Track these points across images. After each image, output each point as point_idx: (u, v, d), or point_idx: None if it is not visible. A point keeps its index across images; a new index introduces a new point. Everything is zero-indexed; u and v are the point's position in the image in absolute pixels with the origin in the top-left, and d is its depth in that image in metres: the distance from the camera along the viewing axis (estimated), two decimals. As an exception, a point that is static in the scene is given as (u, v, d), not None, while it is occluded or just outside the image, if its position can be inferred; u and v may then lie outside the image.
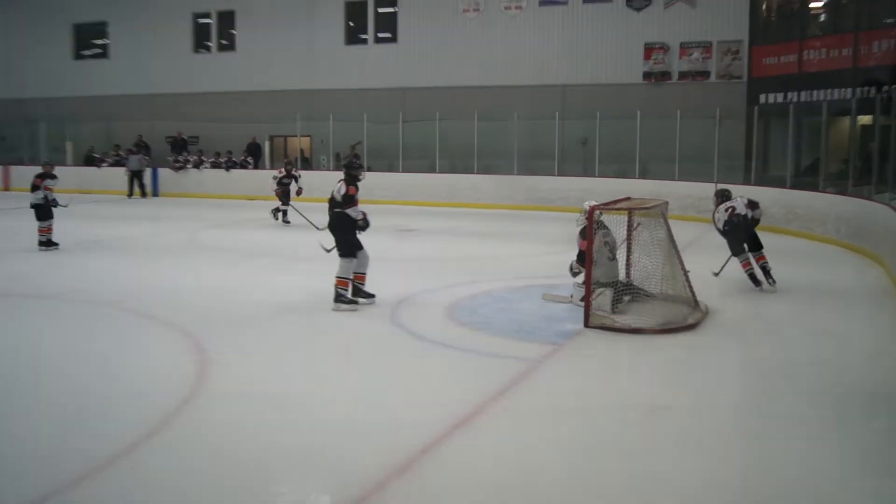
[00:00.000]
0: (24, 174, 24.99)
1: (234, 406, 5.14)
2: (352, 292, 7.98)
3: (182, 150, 23.96)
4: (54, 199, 12.09)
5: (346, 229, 7.96)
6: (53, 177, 12.35)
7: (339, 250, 8.00)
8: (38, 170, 12.59)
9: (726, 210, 9.09)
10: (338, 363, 6.21)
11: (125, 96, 26.15)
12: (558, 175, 19.25)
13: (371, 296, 8.09)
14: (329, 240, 8.19)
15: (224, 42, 25.17)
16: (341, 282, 7.87)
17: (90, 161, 25.15)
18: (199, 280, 9.81)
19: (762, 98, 18.14)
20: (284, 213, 15.42)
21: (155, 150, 24.33)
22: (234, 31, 24.81)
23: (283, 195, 15.53)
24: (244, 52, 24.47)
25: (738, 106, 18.43)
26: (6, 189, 25.51)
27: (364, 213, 8.06)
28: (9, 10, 28.01)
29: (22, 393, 5.44)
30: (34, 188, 12.11)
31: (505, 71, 21.24)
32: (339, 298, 7.82)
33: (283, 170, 15.90)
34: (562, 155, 19.73)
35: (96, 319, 7.67)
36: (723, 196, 9.41)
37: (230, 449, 4.44)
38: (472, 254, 11.66)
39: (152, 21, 25.71)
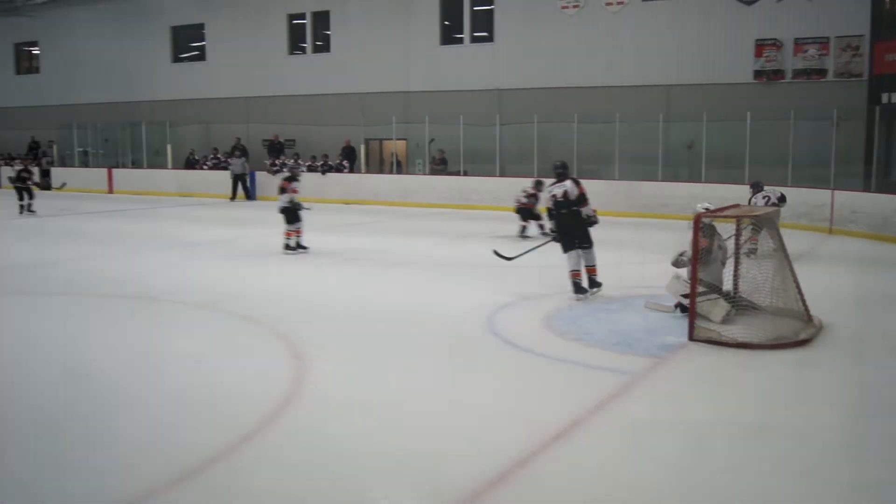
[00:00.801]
0: (127, 177, 26.40)
1: (331, 411, 5.33)
2: (588, 283, 9.03)
3: (279, 154, 24.70)
4: (299, 203, 12.57)
5: (578, 225, 9.06)
6: (298, 180, 12.82)
7: (564, 246, 9.13)
8: (142, 173, 13.22)
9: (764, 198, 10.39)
10: (434, 371, 6.36)
11: (221, 99, 27.14)
12: (662, 181, 19.02)
13: (598, 284, 9.09)
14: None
15: (319, 43, 25.79)
16: (575, 273, 9.00)
17: (190, 164, 26.19)
18: (297, 283, 10.16)
19: (884, 97, 17.47)
20: (524, 228, 14.36)
21: (251, 153, 25.16)
22: (328, 32, 25.41)
23: (527, 212, 14.41)
24: (338, 54, 25.04)
25: (857, 106, 17.81)
26: (110, 192, 26.81)
27: (594, 210, 9.17)
28: (110, 14, 29.43)
29: (121, 392, 5.75)
30: (282, 191, 12.59)
31: (606, 70, 21.05)
32: (578, 290, 8.93)
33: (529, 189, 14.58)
34: (666, 159, 19.51)
35: (196, 320, 8.08)
36: (757, 187, 10.79)
37: (325, 454, 4.61)
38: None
39: (248, 23, 26.58)
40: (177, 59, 28.73)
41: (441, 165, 22.03)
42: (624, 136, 19.68)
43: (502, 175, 21.10)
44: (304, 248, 12.44)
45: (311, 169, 23.44)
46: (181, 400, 5.58)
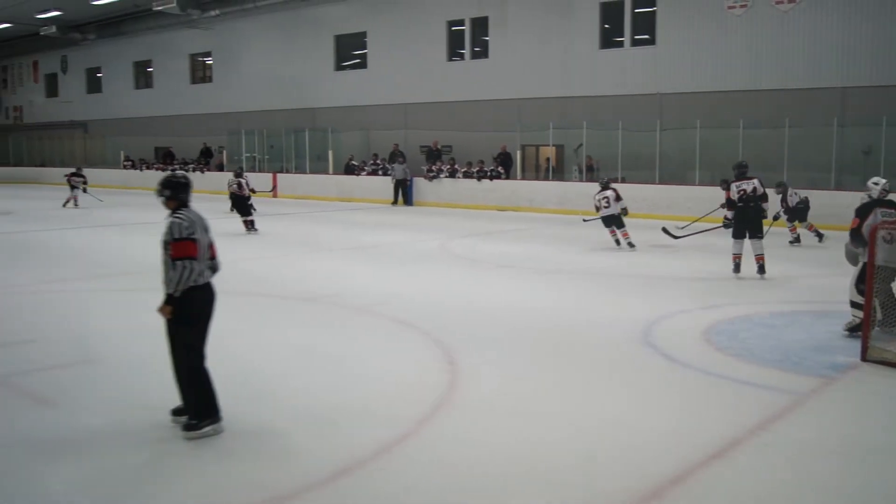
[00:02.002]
0: (290, 181, 27.65)
1: (482, 417, 5.45)
2: (758, 269, 10.91)
3: (436, 160, 25.26)
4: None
5: (757, 219, 11.01)
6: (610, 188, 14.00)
7: (737, 233, 11.05)
8: (305, 177, 13.96)
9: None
10: (587, 382, 6.37)
11: (381, 106, 28.01)
12: (835, 189, 18.17)
13: (764, 271, 10.91)
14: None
15: (477, 49, 26.16)
16: (736, 256, 11.12)
17: (349, 169, 27.18)
18: (451, 289, 10.42)
19: None
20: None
21: (409, 159, 25.85)
22: (486, 38, 25.74)
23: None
24: (497, 60, 25.30)
25: None
26: (274, 195, 28.20)
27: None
28: (277, 25, 30.96)
29: (279, 390, 6.06)
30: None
31: (774, 72, 20.23)
32: (737, 269, 11.09)
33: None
34: (840, 166, 18.63)
35: (354, 323, 8.42)
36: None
37: (475, 460, 4.72)
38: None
39: (408, 30, 27.30)
40: (339, 68, 29.86)
41: (588, 172, 21.94)
42: (793, 142, 18.93)
43: (662, 182, 20.76)
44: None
45: (466, 175, 23.86)
46: (338, 399, 5.84)
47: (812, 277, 11.20)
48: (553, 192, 22.15)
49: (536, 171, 24.64)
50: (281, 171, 29.59)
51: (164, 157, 35.32)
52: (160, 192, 5.08)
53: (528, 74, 24.34)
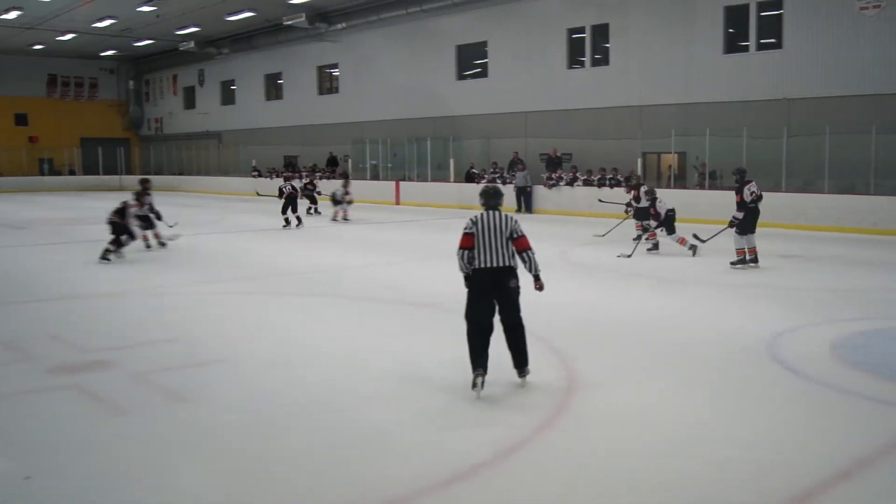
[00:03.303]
0: (412, 189, 28.21)
1: (599, 427, 5.49)
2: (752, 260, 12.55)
3: (556, 168, 25.28)
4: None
5: (756, 217, 12.64)
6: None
7: (744, 230, 12.51)
8: (426, 185, 14.34)
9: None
10: (709, 394, 6.27)
11: (501, 114, 28.22)
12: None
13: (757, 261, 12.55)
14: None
15: (597, 56, 25.99)
16: (741, 252, 12.56)
17: (470, 177, 27.52)
18: (569, 296, 10.43)
19: None
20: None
21: (528, 167, 25.94)
22: (607, 45, 25.57)
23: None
24: (617, 66, 25.09)
25: None
26: (397, 203, 28.85)
27: None
28: (401, 37, 31.62)
29: (393, 393, 6.26)
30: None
31: (910, 75, 19.42)
32: (740, 262, 12.61)
33: None
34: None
35: (449, 324, 8.61)
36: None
37: (590, 469, 4.77)
38: (864, 286, 11.08)
39: (528, 39, 27.36)
40: (461, 77, 30.25)
41: (710, 179, 21.48)
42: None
43: (789, 190, 20.15)
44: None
45: (586, 183, 23.76)
46: (455, 403, 6.01)
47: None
48: (674, 200, 21.76)
49: (658, 178, 24.31)
50: (403, 179, 30.23)
51: (288, 166, 36.65)
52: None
53: (649, 81, 24.06)
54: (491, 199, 6.37)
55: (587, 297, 10.61)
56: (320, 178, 32.70)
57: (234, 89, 43.21)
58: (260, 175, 36.97)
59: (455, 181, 28.13)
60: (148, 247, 15.48)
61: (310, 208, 23.96)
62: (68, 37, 39.47)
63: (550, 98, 26.67)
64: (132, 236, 14.16)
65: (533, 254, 6.34)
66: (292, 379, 6.74)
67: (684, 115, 22.91)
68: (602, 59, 25.82)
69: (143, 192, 15.37)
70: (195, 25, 36.58)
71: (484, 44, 29.14)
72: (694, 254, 14.18)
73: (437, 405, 6.03)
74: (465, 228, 6.24)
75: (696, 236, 14.14)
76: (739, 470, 4.79)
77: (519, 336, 6.33)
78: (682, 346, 7.77)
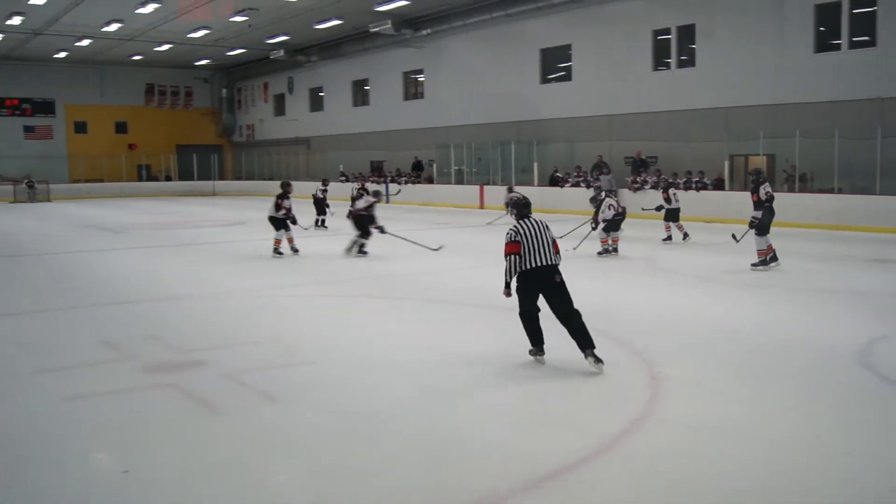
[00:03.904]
0: (497, 194, 28.22)
1: (684, 435, 5.43)
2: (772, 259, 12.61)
3: (640, 171, 25.01)
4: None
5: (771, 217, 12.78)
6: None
7: (764, 230, 12.58)
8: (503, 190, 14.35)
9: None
10: (797, 403, 6.14)
11: (585, 118, 28.04)
12: None
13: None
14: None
15: (683, 58, 25.60)
16: (765, 252, 12.54)
17: (554, 181, 27.44)
18: (655, 301, 10.45)
19: None
20: None
21: (613, 171, 25.72)
22: (693, 46, 25.15)
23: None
24: (703, 68, 24.66)
25: None
26: (481, 207, 28.97)
27: None
28: (485, 41, 31.73)
29: (479, 396, 6.31)
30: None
31: None
32: (764, 263, 12.55)
33: None
34: None
35: (555, 332, 8.62)
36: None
37: (676, 478, 4.73)
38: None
39: (612, 41, 27.11)
40: (544, 80, 30.18)
41: (801, 182, 20.91)
42: None
43: (883, 193, 19.49)
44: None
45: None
46: (539, 407, 6.08)
47: None
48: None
49: (745, 182, 23.78)
50: (487, 184, 30.31)
51: (374, 171, 37.15)
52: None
53: (736, 82, 23.53)
54: (525, 209, 7.32)
55: (673, 301, 10.55)
56: (405, 182, 33.06)
57: (322, 96, 44.06)
58: (347, 180, 37.53)
59: (539, 185, 28.08)
60: (279, 253, 15.35)
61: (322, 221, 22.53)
62: (165, 47, 40.92)
63: (635, 100, 26.38)
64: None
65: (560, 257, 7.24)
66: (382, 381, 6.87)
67: (772, 117, 22.36)
68: (688, 60, 25.42)
69: (283, 195, 15.35)
70: (285, 34, 37.47)
71: (568, 47, 29.02)
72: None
73: (524, 408, 6.12)
74: (511, 238, 7.05)
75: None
76: (828, 482, 4.70)
77: (579, 320, 7.01)
78: (769, 353, 7.64)
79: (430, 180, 33.49)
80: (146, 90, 49.95)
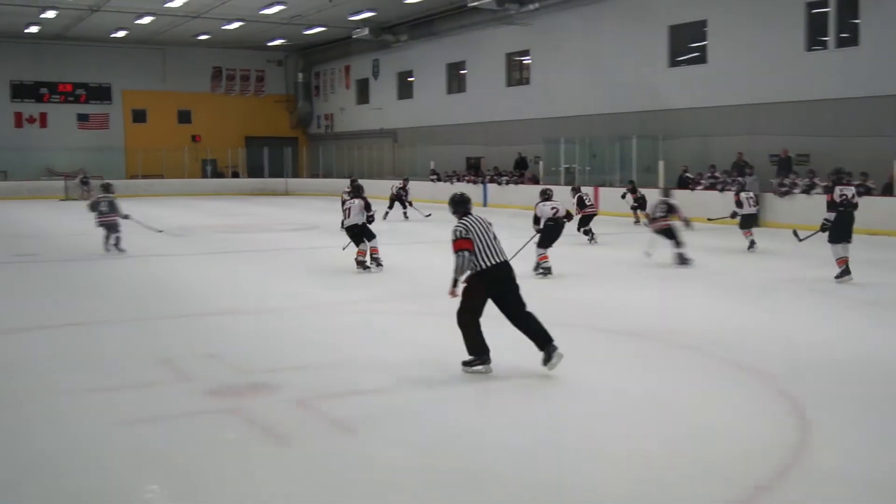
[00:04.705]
0: (613, 196, 27.96)
1: (839, 494, 5.27)
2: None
3: (787, 171, 24.36)
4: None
5: (851, 224, 13.20)
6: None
7: (837, 238, 13.06)
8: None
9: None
10: None
11: (722, 107, 27.50)
12: None
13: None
14: None
15: (844, 35, 24.88)
16: (843, 260, 12.96)
17: (683, 182, 26.95)
18: (803, 328, 10.22)
19: None
20: None
21: (757, 171, 25.10)
22: (856, 21, 24.41)
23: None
24: (870, 46, 23.83)
25: None
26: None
27: None
28: (602, 17, 31.56)
29: (605, 439, 6.19)
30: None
31: None
32: (844, 274, 13.00)
33: None
34: None
35: (679, 363, 8.52)
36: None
37: None
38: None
39: (757, 15, 26.55)
40: (673, 64, 29.78)
41: None
42: None
43: None
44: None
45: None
46: (668, 452, 5.94)
47: None
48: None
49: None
50: (603, 185, 29.99)
51: (470, 169, 37.31)
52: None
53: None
54: (464, 206, 8.03)
55: (826, 329, 10.26)
56: (506, 182, 33.06)
57: (411, 81, 44.52)
58: (439, 179, 37.70)
59: (665, 187, 27.58)
60: (366, 267, 14.90)
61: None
62: (235, 25, 42.05)
63: (783, 87, 25.70)
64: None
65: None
66: (472, 414, 6.86)
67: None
68: (850, 38, 24.67)
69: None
70: (370, 10, 38.02)
71: (702, 23, 28.56)
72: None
73: (648, 454, 5.97)
74: (461, 234, 7.69)
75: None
76: None
77: (536, 319, 7.75)
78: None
79: (534, 180, 33.30)
80: (213, 74, 51.43)
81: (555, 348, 7.62)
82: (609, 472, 5.65)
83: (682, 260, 15.12)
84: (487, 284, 7.69)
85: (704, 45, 28.70)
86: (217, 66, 51.33)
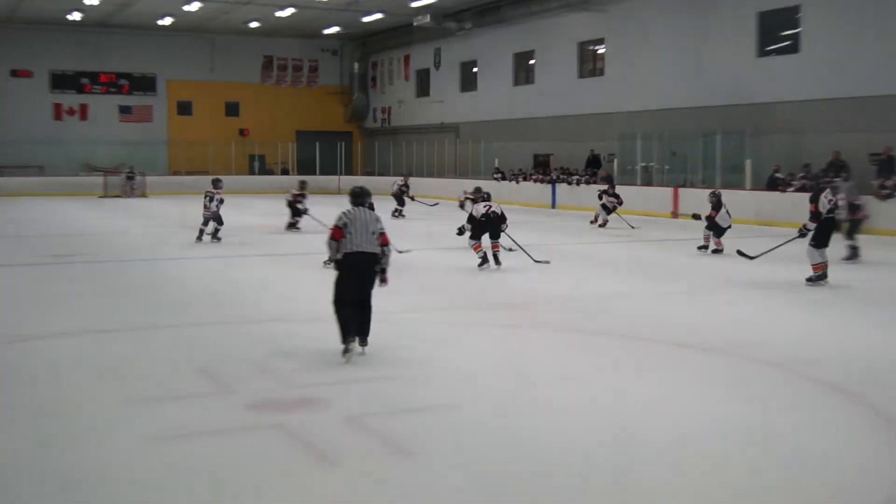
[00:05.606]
0: (694, 198, 27.60)
1: None
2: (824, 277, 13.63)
3: (889, 173, 23.81)
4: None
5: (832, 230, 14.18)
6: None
7: (822, 244, 13.73)
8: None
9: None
10: None
11: (817, 101, 26.98)
12: None
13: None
14: None
15: (956, 23, 24.31)
16: (822, 266, 13.65)
17: (773, 184, 26.51)
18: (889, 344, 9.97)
19: None
20: None
21: (855, 171, 24.55)
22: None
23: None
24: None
25: None
26: (674, 215, 28.34)
27: None
28: (687, 3, 31.22)
29: (690, 467, 6.03)
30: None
31: None
32: (822, 278, 13.67)
33: None
34: None
35: (768, 385, 8.29)
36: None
37: None
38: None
39: (857, 0, 26.13)
40: (763, 53, 29.34)
41: None
42: None
43: None
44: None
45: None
46: (761, 485, 5.73)
47: None
48: None
49: None
50: (683, 185, 29.64)
51: (537, 167, 37.14)
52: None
53: None
54: (360, 198, 9.29)
55: None
56: (577, 183, 32.87)
57: (475, 72, 44.52)
58: (504, 178, 37.61)
59: (753, 189, 27.23)
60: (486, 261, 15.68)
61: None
62: (287, 12, 42.42)
63: (886, 79, 25.16)
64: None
65: (390, 251, 9.25)
66: (537, 433, 6.74)
67: None
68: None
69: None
70: (432, -6, 38.11)
71: (795, 9, 28.13)
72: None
73: (737, 484, 5.80)
74: (337, 222, 8.98)
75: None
76: None
77: (369, 311, 9.11)
78: None
79: (608, 180, 33.08)
80: (263, 65, 52.00)
81: (364, 342, 9.07)
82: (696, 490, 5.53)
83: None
84: (343, 269, 9.04)
85: (797, 33, 28.27)
86: (268, 56, 51.88)
